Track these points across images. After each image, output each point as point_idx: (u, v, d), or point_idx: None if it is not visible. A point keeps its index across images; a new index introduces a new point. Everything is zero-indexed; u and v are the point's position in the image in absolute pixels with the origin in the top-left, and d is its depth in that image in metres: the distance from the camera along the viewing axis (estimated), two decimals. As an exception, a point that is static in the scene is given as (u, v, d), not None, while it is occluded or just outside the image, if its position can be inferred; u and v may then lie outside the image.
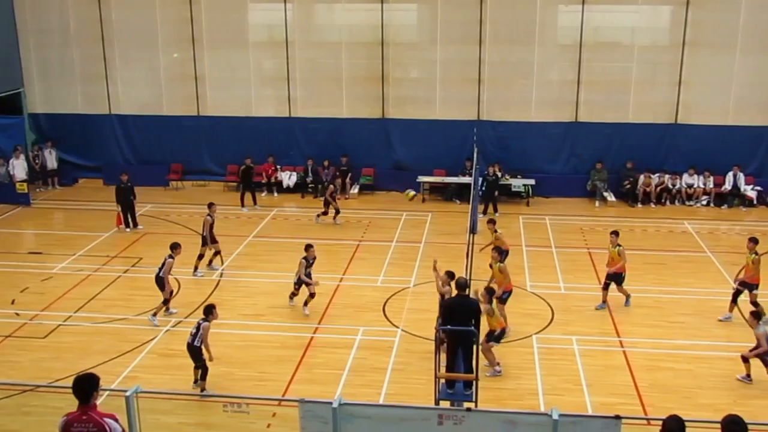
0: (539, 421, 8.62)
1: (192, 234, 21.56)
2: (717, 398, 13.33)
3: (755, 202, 25.32)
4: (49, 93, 28.46)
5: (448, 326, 11.81)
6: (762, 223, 23.77)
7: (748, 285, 16.29)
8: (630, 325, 16.42)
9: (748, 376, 13.88)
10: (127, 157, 28.39)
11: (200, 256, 19.27)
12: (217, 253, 19.55)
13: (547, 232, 22.90)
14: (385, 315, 16.90)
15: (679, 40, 25.32)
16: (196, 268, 19.10)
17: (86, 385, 7.51)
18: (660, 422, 7.69)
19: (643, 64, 26.05)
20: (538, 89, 26.29)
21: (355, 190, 26.72)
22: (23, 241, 22.51)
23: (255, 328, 16.16)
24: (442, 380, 11.60)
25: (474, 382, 11.39)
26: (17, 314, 16.79)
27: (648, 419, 11.84)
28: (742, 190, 25.39)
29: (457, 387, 11.72)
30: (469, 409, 9.10)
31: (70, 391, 7.50)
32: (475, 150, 22.57)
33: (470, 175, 23.06)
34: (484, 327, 13.86)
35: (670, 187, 25.75)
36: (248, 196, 25.08)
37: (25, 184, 25.54)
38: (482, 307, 13.61)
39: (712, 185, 25.62)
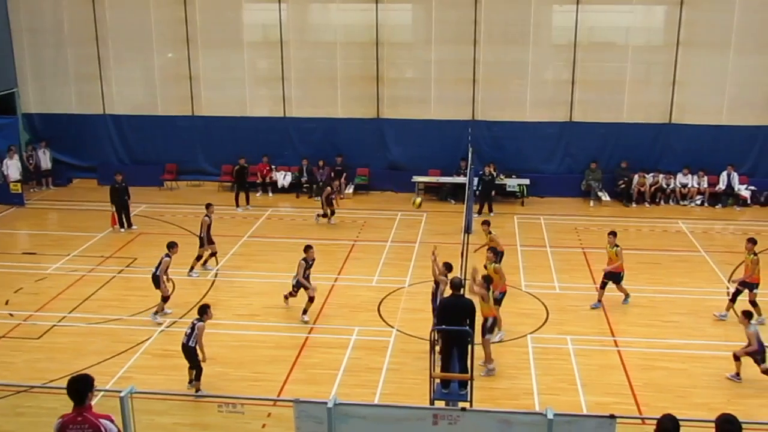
0: (534, 421, 8.63)
1: (187, 234, 21.55)
2: (711, 397, 13.36)
3: (749, 201, 25.40)
4: (43, 93, 28.39)
5: (443, 326, 11.81)
6: (756, 222, 23.84)
7: (748, 284, 16.35)
8: (625, 324, 16.45)
9: (737, 374, 13.93)
10: (122, 157, 28.34)
11: (198, 257, 19.27)
12: (213, 254, 19.52)
13: (542, 231, 22.92)
14: (380, 315, 16.90)
15: (674, 40, 25.38)
16: (192, 268, 19.08)
17: (81, 387, 7.49)
18: (654, 421, 7.71)
19: (638, 64, 26.10)
20: (533, 89, 26.32)
21: (350, 190, 26.71)
22: (17, 242, 22.45)
23: (250, 329, 16.15)
24: (437, 380, 11.61)
25: (469, 382, 11.39)
26: (11, 315, 16.75)
27: (642, 418, 11.87)
28: (736, 189, 25.46)
29: (452, 387, 11.73)
30: (464, 409, 9.10)
31: (65, 391, 7.49)
32: (470, 150, 22.58)
33: (465, 175, 23.07)
34: (478, 327, 13.91)
35: (665, 186, 25.81)
36: (242, 196, 25.07)
37: (19, 184, 25.48)
38: (476, 289, 13.88)
39: (706, 185, 25.68)
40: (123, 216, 22.71)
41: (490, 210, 24.59)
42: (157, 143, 27.99)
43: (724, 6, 24.94)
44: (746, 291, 16.37)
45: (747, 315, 14.10)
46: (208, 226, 19.16)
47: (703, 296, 17.86)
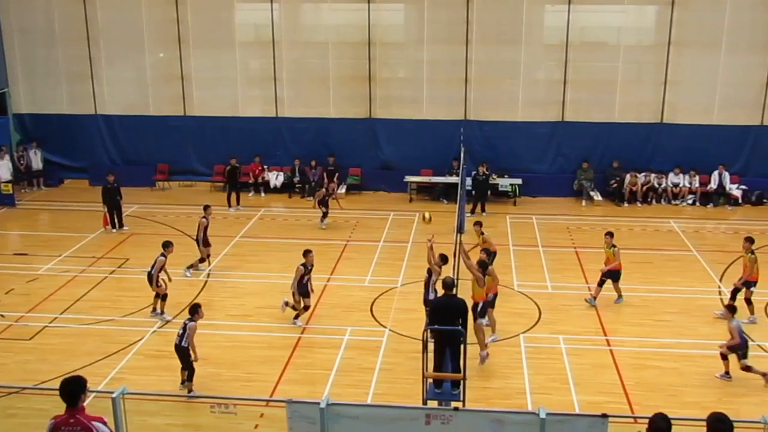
0: (527, 420, 8.65)
1: (179, 234, 21.50)
2: (703, 396, 13.41)
3: (740, 200, 25.49)
4: (34, 93, 28.28)
5: (436, 326, 11.82)
6: (747, 221, 23.93)
7: (746, 283, 16.42)
8: (617, 323, 16.50)
9: (727, 373, 13.98)
10: (113, 158, 28.25)
11: (202, 260, 19.29)
12: (207, 256, 19.47)
13: (534, 231, 22.96)
14: (373, 315, 16.90)
15: (665, 40, 25.45)
16: (191, 266, 19.10)
17: (73, 388, 7.47)
18: (646, 420, 7.73)
19: (629, 63, 26.17)
20: (525, 89, 26.35)
21: (342, 190, 26.70)
22: (8, 243, 22.37)
23: (242, 329, 16.12)
24: (430, 380, 11.62)
25: (462, 382, 11.40)
26: (2, 316, 16.67)
27: (635, 417, 11.89)
28: (727, 189, 25.55)
29: (444, 386, 11.74)
30: (456, 409, 9.12)
31: (57, 393, 7.46)
32: (462, 150, 22.60)
33: (457, 175, 23.09)
34: (473, 327, 13.95)
35: (656, 186, 25.89)
36: (233, 196, 25.02)
37: (10, 184, 25.38)
38: (474, 272, 14.32)
39: (697, 184, 25.76)
40: (115, 216, 22.65)
41: (483, 210, 24.62)
42: (148, 143, 27.91)
43: (715, 6, 25.04)
44: (743, 289, 16.44)
45: (730, 309, 14.18)
46: (205, 228, 19.14)
47: (694, 295, 17.93)
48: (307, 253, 16.30)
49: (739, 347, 13.76)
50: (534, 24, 26.22)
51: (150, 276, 16.40)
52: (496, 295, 15.48)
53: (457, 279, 13.21)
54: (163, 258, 16.51)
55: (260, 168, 27.01)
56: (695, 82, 25.69)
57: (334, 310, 17.09)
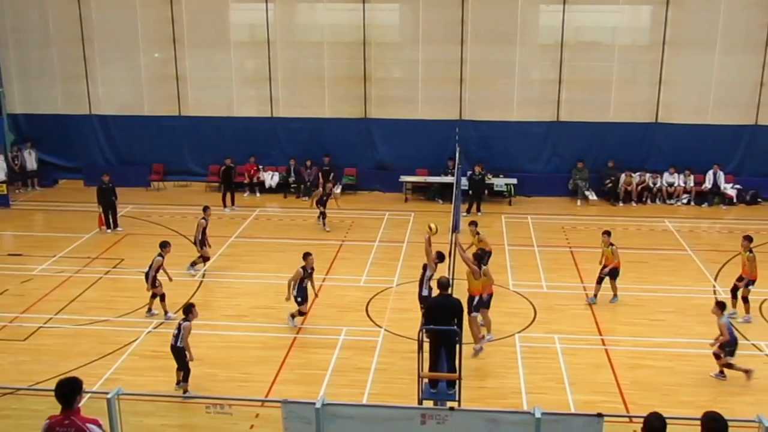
0: (522, 420, 8.65)
1: (174, 235, 21.47)
2: (697, 395, 13.43)
3: (735, 200, 25.58)
4: (28, 93, 28.23)
5: (431, 326, 11.82)
6: (742, 220, 23.98)
7: (744, 281, 16.46)
8: (611, 323, 16.52)
9: (722, 372, 14.00)
10: (108, 158, 28.21)
11: (206, 259, 19.27)
12: (203, 256, 19.43)
13: (529, 231, 22.98)
14: (368, 315, 16.89)
15: (659, 40, 25.51)
16: (193, 264, 19.13)
17: (69, 390, 7.45)
18: (641, 420, 7.74)
19: (624, 63, 26.23)
20: (520, 89, 26.39)
21: (337, 189, 26.67)
22: (2, 243, 22.29)
23: (238, 329, 16.10)
24: (426, 380, 11.62)
25: (457, 382, 11.41)
26: (-3, 317, 16.65)
27: (630, 417, 11.90)
28: (722, 188, 25.62)
29: (440, 386, 11.75)
30: (452, 409, 9.11)
31: (51, 393, 7.45)
32: (458, 149, 22.61)
33: (452, 175, 23.10)
34: (467, 328, 13.96)
35: (651, 185, 25.95)
36: (229, 196, 24.99)
37: (4, 185, 25.33)
38: (470, 265, 14.43)
39: (692, 184, 25.83)
40: (109, 217, 22.61)
41: (478, 209, 24.64)
42: (143, 143, 27.88)
43: (709, 6, 25.11)
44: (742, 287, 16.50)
45: (720, 306, 14.17)
46: (204, 229, 19.11)
47: (689, 294, 17.95)
48: (306, 256, 16.12)
49: (728, 344, 13.80)
50: (529, 24, 26.27)
51: (147, 276, 16.37)
52: (491, 295, 15.46)
53: (453, 279, 13.22)
54: (160, 258, 16.49)
55: (255, 168, 27.00)
56: (690, 82, 25.76)
57: (329, 311, 17.07)
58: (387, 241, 21.85)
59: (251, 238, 22.27)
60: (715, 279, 18.88)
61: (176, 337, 13.30)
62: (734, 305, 16.57)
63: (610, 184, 25.84)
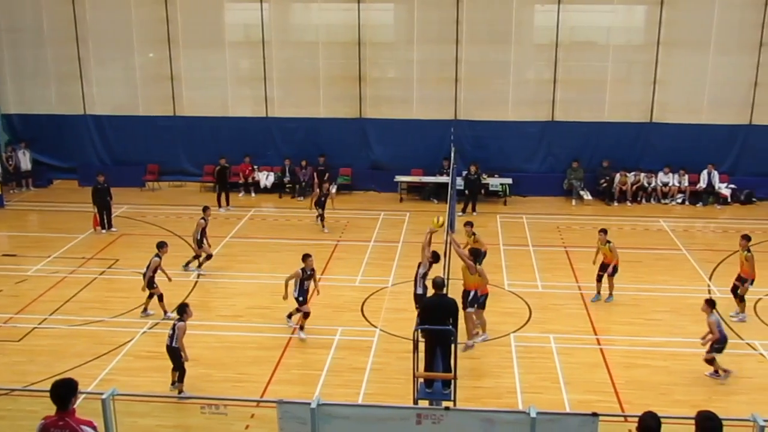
0: (517, 419, 8.66)
1: (169, 235, 21.42)
2: (692, 394, 13.45)
3: (729, 199, 25.63)
4: (22, 93, 28.15)
5: (426, 326, 11.82)
6: (736, 220, 24.04)
7: (743, 280, 16.49)
8: (607, 322, 16.54)
9: (716, 372, 14.03)
10: (103, 158, 28.15)
11: (208, 257, 19.27)
12: (198, 257, 19.40)
13: (525, 230, 23.00)
14: (364, 315, 16.89)
15: (654, 40, 25.55)
16: (200, 264, 19.17)
17: (64, 391, 7.42)
18: (636, 419, 7.75)
19: (619, 63, 26.27)
20: (515, 88, 26.41)
21: (333, 189, 26.65)
22: (-3, 244, 22.28)
23: (233, 329, 16.08)
24: (421, 380, 11.62)
25: (452, 381, 11.41)
26: (-9, 317, 16.60)
27: (625, 416, 11.93)
28: (716, 188, 25.67)
29: (435, 386, 11.74)
30: (447, 408, 9.12)
31: (46, 394, 7.42)
32: (453, 149, 22.63)
33: (448, 175, 23.10)
34: (463, 328, 13.97)
35: (646, 185, 25.99)
36: (223, 196, 24.96)
37: (-2, 185, 25.30)
38: (465, 260, 14.53)
39: (687, 183, 25.88)
40: (104, 217, 22.55)
41: (474, 209, 24.66)
42: (138, 144, 27.83)
43: (703, 6, 25.17)
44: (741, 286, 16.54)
45: (710, 303, 14.17)
46: (203, 229, 19.08)
47: (684, 294, 17.98)
48: (306, 257, 15.88)
49: (718, 342, 13.83)
50: (524, 24, 26.28)
51: (145, 276, 16.35)
52: (486, 295, 15.46)
53: (448, 279, 13.22)
54: (157, 259, 16.45)
55: (250, 168, 26.97)
56: (684, 82, 25.81)
57: (324, 311, 17.05)
58: (382, 241, 21.85)
59: (246, 239, 22.25)
60: (710, 278, 18.92)
61: (171, 337, 13.28)
62: (738, 305, 16.62)
63: (605, 184, 25.88)
